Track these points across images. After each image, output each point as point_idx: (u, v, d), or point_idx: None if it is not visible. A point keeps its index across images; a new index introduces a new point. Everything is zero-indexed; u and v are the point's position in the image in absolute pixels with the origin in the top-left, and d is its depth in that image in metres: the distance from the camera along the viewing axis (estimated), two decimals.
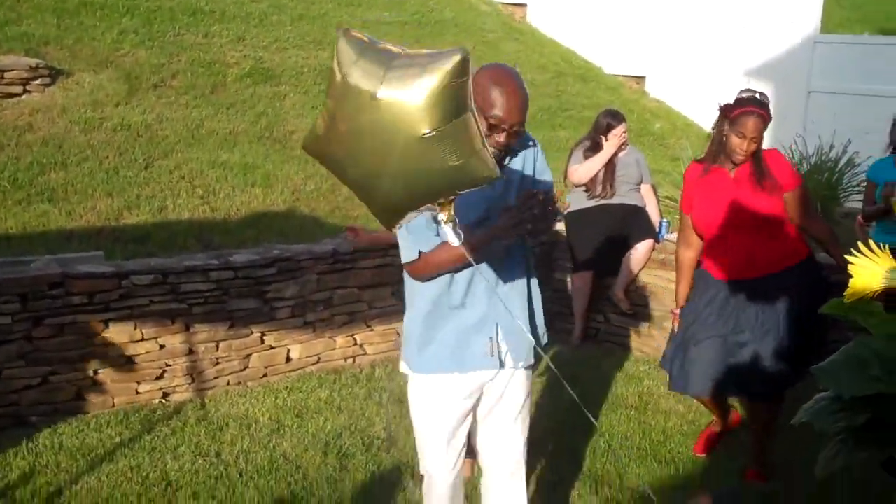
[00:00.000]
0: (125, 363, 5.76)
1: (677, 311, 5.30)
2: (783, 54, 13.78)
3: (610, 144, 7.41)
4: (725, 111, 4.95)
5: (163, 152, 8.40)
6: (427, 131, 2.88)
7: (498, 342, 3.60)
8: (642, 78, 14.96)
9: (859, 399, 2.39)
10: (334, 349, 6.59)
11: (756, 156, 4.91)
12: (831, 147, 10.79)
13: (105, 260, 6.04)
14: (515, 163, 3.61)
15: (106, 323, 5.65)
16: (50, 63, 9.17)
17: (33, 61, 8.95)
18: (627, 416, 6.07)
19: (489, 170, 2.96)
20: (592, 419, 3.65)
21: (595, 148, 7.50)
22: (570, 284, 7.84)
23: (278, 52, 11.24)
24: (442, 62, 2.79)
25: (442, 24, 14.14)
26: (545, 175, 3.70)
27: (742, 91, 5.01)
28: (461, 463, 3.80)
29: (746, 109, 4.84)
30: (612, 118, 7.57)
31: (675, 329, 5.28)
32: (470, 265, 3.33)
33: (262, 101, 9.91)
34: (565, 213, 7.69)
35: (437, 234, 3.40)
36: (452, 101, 2.84)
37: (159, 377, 5.89)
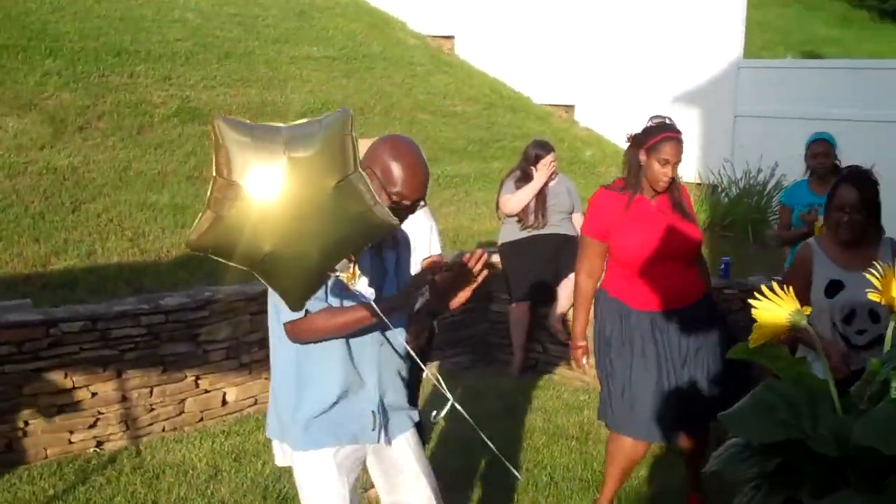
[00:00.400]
0: (56, 412, 5.63)
1: (582, 345, 5.07)
2: (708, 80, 13.99)
3: (540, 174, 7.45)
4: (640, 141, 4.86)
5: (90, 195, 8.26)
6: (336, 181, 2.93)
7: (380, 414, 3.48)
8: (571, 107, 15.09)
9: (769, 444, 2.39)
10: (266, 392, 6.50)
11: (674, 183, 4.88)
12: (759, 171, 10.99)
13: (33, 307, 5.91)
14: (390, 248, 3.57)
15: (35, 372, 5.52)
16: None
17: None
18: (569, 448, 6.07)
19: (390, 220, 3.01)
20: (509, 465, 3.55)
21: (525, 178, 7.53)
22: (508, 316, 7.84)
23: (205, 91, 11.16)
24: (332, 119, 2.93)
25: (370, 59, 14.14)
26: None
27: (651, 119, 4.92)
28: None
29: (665, 135, 4.78)
30: (540, 148, 7.62)
31: (583, 366, 5.07)
32: (357, 333, 3.31)
33: (191, 141, 9.81)
34: (499, 244, 7.72)
35: (326, 298, 3.29)
36: (348, 153, 2.92)
37: (92, 426, 5.77)
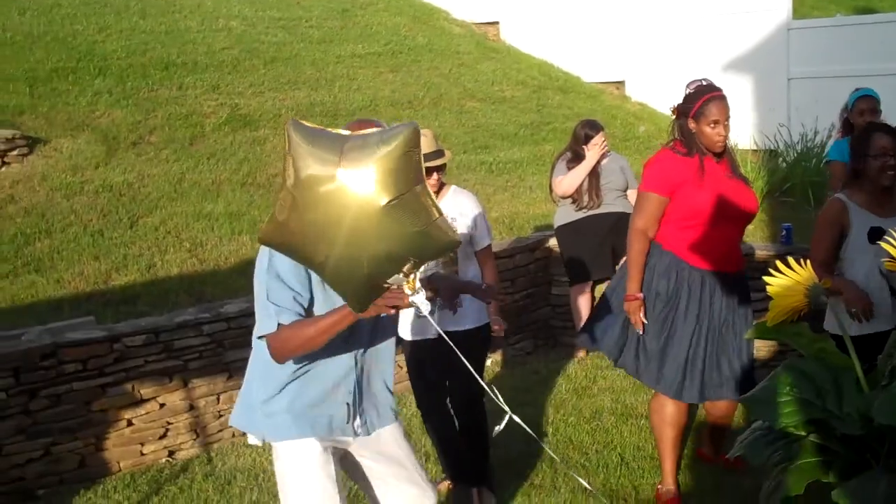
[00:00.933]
0: (126, 426, 5.71)
1: (639, 296, 4.90)
2: (759, 44, 13.73)
3: (591, 154, 7.36)
4: (685, 110, 4.82)
5: (147, 210, 8.36)
6: (388, 200, 2.91)
7: (356, 407, 3.52)
8: (622, 83, 14.94)
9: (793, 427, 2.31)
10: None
11: (728, 148, 4.87)
12: (815, 133, 10.77)
13: (96, 324, 5.99)
14: None
15: (103, 388, 5.59)
16: (26, 132, 9.15)
17: (9, 132, 8.93)
18: (638, 426, 6.00)
19: (450, 237, 3.03)
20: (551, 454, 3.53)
21: (576, 159, 7.44)
22: (569, 298, 7.78)
23: (254, 97, 11.23)
24: (393, 134, 2.89)
25: (416, 51, 14.15)
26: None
27: (689, 85, 4.90)
28: None
29: (708, 96, 4.75)
30: (589, 128, 7.52)
31: (639, 319, 4.91)
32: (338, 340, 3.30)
33: (242, 148, 9.88)
34: (555, 227, 7.65)
35: (297, 311, 3.28)
36: (407, 171, 2.92)
37: (163, 436, 5.83)
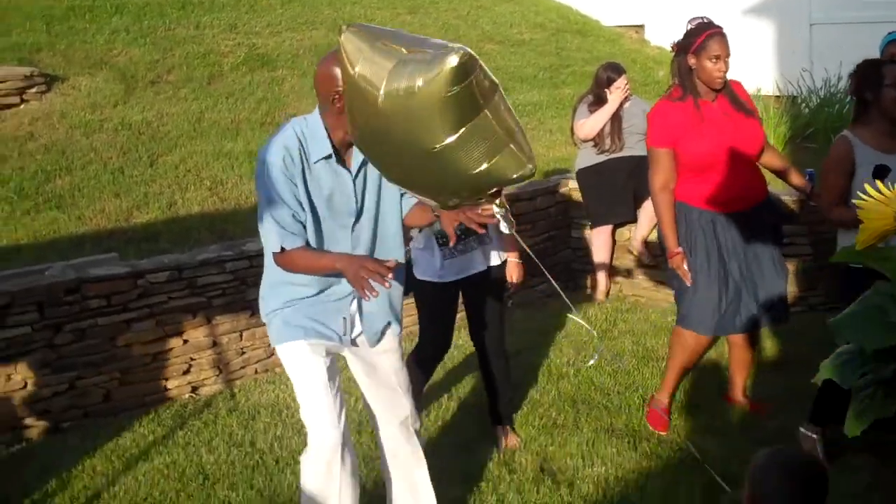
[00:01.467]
0: (150, 361, 5.74)
1: (679, 251, 4.96)
2: None
3: (614, 98, 7.30)
4: (685, 46, 4.89)
5: (166, 148, 8.32)
6: (437, 146, 2.81)
7: (351, 321, 3.80)
8: (641, 26, 14.75)
9: (884, 350, 2.29)
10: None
11: (727, 84, 4.92)
12: (839, 79, 10.63)
13: (119, 260, 5.99)
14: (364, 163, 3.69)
15: (127, 323, 5.61)
16: (44, 70, 9.09)
17: (27, 70, 8.88)
18: (659, 369, 6.00)
19: (521, 166, 2.99)
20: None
21: (598, 102, 7.39)
22: (589, 242, 7.76)
23: (272, 37, 11.14)
24: (435, 71, 2.70)
25: None
26: None
27: (689, 22, 4.96)
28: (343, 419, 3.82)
29: (708, 33, 4.82)
30: (612, 71, 7.46)
31: (685, 272, 4.97)
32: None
33: (261, 88, 9.82)
34: (576, 170, 7.61)
35: (299, 232, 3.53)
36: (455, 109, 2.77)
37: (186, 372, 5.86)
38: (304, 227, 3.56)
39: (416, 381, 5.09)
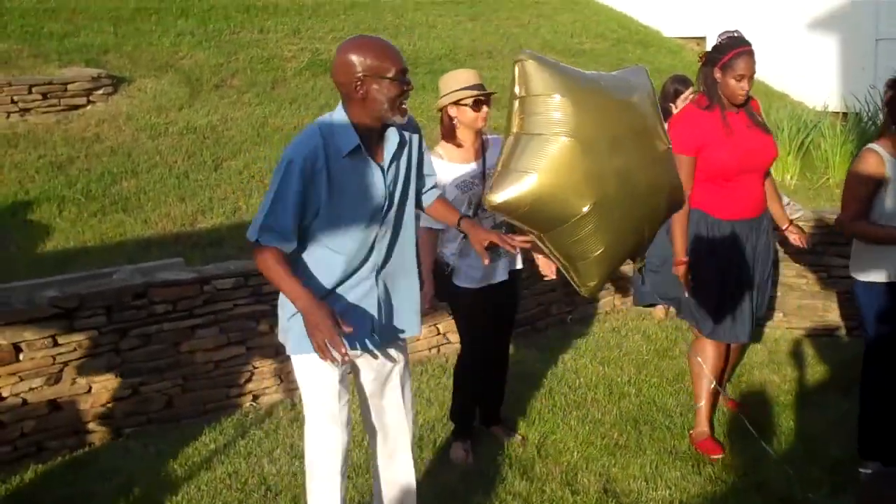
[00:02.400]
0: (214, 368, 5.75)
1: (685, 260, 5.06)
2: (846, 3, 13.37)
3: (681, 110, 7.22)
4: (713, 59, 4.96)
5: (231, 153, 8.37)
6: (662, 146, 3.11)
7: (379, 323, 3.73)
8: (703, 38, 14.62)
9: None
10: (418, 340, 6.52)
11: (748, 98, 5.03)
12: None
13: (185, 265, 6.02)
14: (403, 150, 3.69)
15: (192, 329, 5.63)
16: (111, 72, 9.20)
17: (94, 71, 8.98)
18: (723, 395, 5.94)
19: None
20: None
21: (665, 115, 7.30)
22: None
23: (335, 42, 11.15)
24: (639, 83, 3.24)
25: (496, 0, 13.99)
26: (430, 169, 3.93)
27: (721, 35, 5.02)
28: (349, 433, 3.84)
29: (737, 51, 4.88)
30: (679, 83, 7.39)
31: (688, 281, 5.09)
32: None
33: (324, 94, 9.85)
34: None
35: (283, 232, 3.44)
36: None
37: (248, 380, 5.88)
38: (304, 232, 3.51)
39: (465, 397, 5.24)
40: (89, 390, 5.38)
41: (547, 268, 5.06)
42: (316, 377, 3.68)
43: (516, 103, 3.27)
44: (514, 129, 3.26)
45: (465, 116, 4.78)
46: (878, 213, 4.68)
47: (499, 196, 3.24)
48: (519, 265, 5.15)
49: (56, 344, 5.21)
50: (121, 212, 7.19)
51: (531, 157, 3.19)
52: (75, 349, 5.29)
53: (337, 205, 3.49)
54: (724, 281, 5.07)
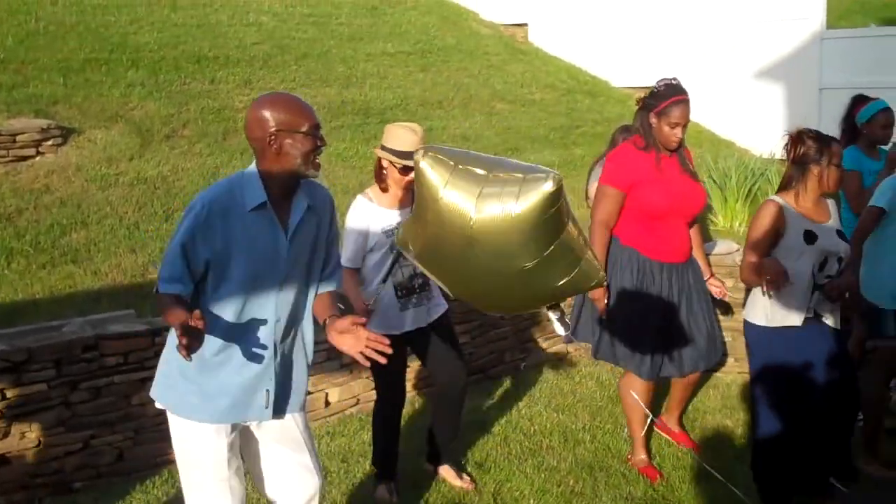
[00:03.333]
0: (165, 421, 5.63)
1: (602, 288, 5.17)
2: (791, 53, 13.66)
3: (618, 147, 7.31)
4: (649, 105, 5.17)
5: (181, 203, 8.33)
6: (527, 265, 3.00)
7: (274, 394, 3.59)
8: (651, 88, 14.88)
9: None
10: (372, 389, 6.47)
11: (681, 145, 5.23)
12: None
13: (136, 317, 5.97)
14: (312, 218, 3.60)
15: (143, 382, 5.55)
16: (60, 122, 9.13)
17: (44, 122, 8.92)
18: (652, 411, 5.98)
19: (595, 278, 3.22)
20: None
21: None
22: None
23: None
24: (531, 196, 2.87)
25: (446, 51, 14.13)
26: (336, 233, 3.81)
27: (659, 82, 5.25)
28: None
29: (673, 100, 5.08)
30: (626, 133, 7.46)
31: (603, 308, 5.27)
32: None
33: None
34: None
35: (181, 281, 3.34)
36: (547, 229, 2.96)
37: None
38: (194, 280, 3.40)
39: (384, 440, 5.20)
40: (39, 444, 5.29)
41: None
42: (203, 447, 3.56)
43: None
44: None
45: (392, 174, 4.86)
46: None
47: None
48: (440, 312, 5.14)
49: (4, 398, 5.12)
50: (70, 263, 7.12)
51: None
52: (24, 403, 5.20)
53: (229, 258, 3.41)
54: (648, 318, 5.23)
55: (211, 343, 3.42)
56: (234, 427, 3.58)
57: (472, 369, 7.09)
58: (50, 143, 8.82)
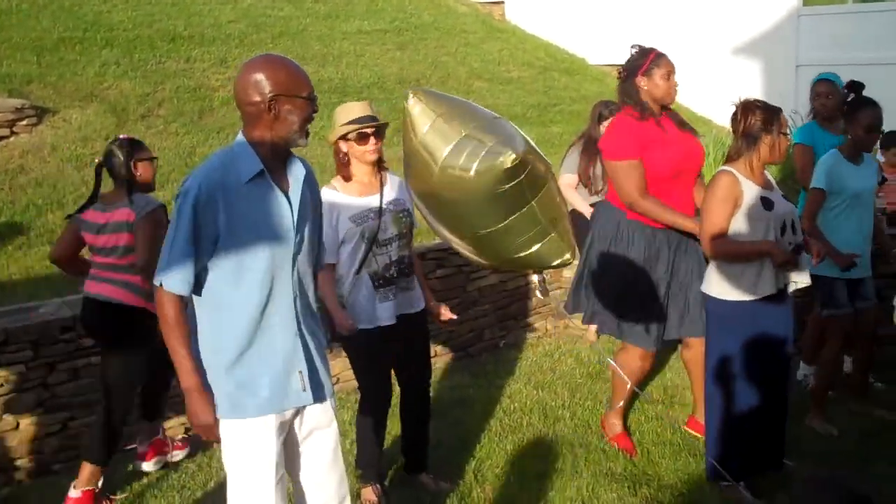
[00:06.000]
0: (144, 402, 5.65)
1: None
2: (768, 30, 13.68)
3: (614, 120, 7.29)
4: (633, 69, 5.16)
5: (158, 183, 8.15)
6: (482, 231, 3.04)
7: (307, 375, 3.37)
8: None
9: None
10: (349, 369, 6.46)
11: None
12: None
13: None
14: (309, 188, 3.43)
15: None
16: (35, 102, 9.04)
17: (18, 102, 8.83)
18: (655, 412, 6.00)
19: (561, 254, 3.17)
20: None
21: (592, 143, 7.35)
22: None
23: None
24: (488, 165, 2.89)
25: (422, 29, 14.07)
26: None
27: (631, 48, 5.33)
28: None
29: (655, 53, 5.15)
30: (604, 107, 7.45)
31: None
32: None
33: None
34: (569, 210, 7.60)
35: (183, 276, 3.15)
36: (504, 202, 2.96)
37: (179, 412, 5.79)
38: (212, 272, 3.21)
39: (371, 441, 4.92)
40: (17, 426, 5.28)
41: (446, 315, 4.97)
42: (251, 446, 3.30)
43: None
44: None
45: (353, 150, 4.61)
46: (733, 235, 4.72)
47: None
48: (419, 307, 4.91)
49: None
50: (47, 244, 7.05)
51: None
52: (2, 384, 5.20)
53: (238, 236, 3.20)
54: (657, 291, 5.21)
55: (239, 333, 3.25)
56: (280, 426, 3.33)
57: (452, 347, 7.12)
58: (24, 122, 8.74)
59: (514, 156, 2.87)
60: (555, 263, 3.17)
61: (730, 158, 4.82)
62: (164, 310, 3.18)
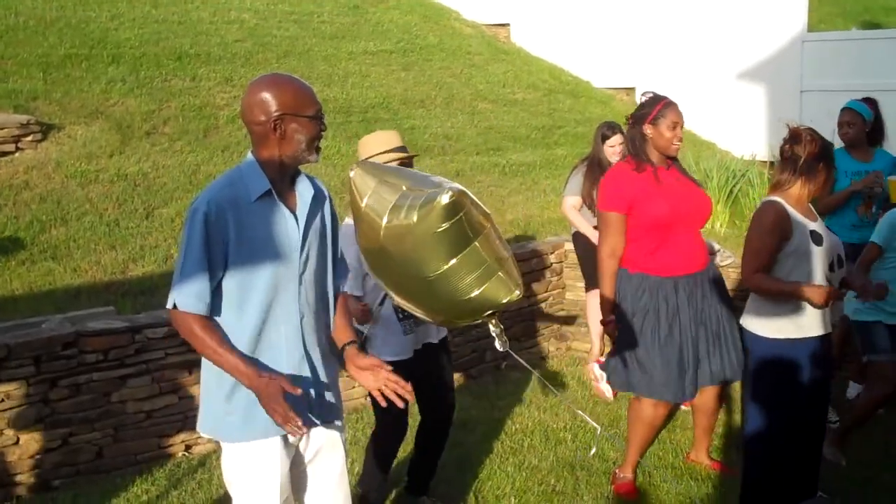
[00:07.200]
0: (145, 418, 5.66)
1: (612, 319, 5.11)
2: (772, 56, 13.72)
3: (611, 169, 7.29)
4: (641, 117, 5.06)
5: (162, 200, 8.29)
6: (431, 274, 3.12)
7: (314, 397, 3.33)
8: (632, 89, 14.84)
9: None
10: (353, 387, 6.48)
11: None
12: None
13: (116, 314, 5.94)
14: (318, 208, 3.40)
15: (123, 379, 5.55)
16: (40, 118, 9.06)
17: (23, 118, 8.85)
18: (658, 437, 5.97)
19: (510, 292, 3.19)
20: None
21: (597, 165, 7.36)
22: (584, 304, 7.74)
23: None
24: (428, 208, 3.01)
25: (427, 50, 14.11)
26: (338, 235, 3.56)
27: (643, 95, 5.21)
28: None
29: (664, 103, 5.03)
30: (606, 129, 7.48)
31: (614, 336, 5.18)
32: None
33: None
34: (572, 231, 7.60)
35: (200, 295, 3.10)
36: (448, 241, 3.06)
37: (180, 430, 5.79)
38: (216, 292, 3.16)
39: (379, 470, 4.96)
40: (17, 441, 5.26)
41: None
42: (257, 468, 3.26)
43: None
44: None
45: None
46: (780, 271, 4.46)
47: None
48: (440, 336, 4.94)
49: None
50: (50, 260, 7.07)
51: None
52: (3, 400, 5.18)
53: (244, 255, 3.17)
54: (668, 342, 5.01)
55: (241, 346, 3.22)
56: (285, 448, 3.29)
57: (454, 368, 7.09)
58: (29, 138, 8.75)
59: (451, 192, 2.98)
60: (504, 301, 3.19)
61: (777, 187, 4.50)
62: (187, 326, 3.14)
